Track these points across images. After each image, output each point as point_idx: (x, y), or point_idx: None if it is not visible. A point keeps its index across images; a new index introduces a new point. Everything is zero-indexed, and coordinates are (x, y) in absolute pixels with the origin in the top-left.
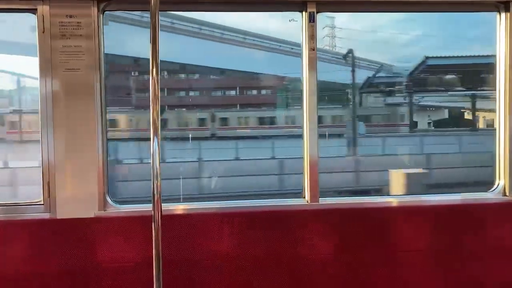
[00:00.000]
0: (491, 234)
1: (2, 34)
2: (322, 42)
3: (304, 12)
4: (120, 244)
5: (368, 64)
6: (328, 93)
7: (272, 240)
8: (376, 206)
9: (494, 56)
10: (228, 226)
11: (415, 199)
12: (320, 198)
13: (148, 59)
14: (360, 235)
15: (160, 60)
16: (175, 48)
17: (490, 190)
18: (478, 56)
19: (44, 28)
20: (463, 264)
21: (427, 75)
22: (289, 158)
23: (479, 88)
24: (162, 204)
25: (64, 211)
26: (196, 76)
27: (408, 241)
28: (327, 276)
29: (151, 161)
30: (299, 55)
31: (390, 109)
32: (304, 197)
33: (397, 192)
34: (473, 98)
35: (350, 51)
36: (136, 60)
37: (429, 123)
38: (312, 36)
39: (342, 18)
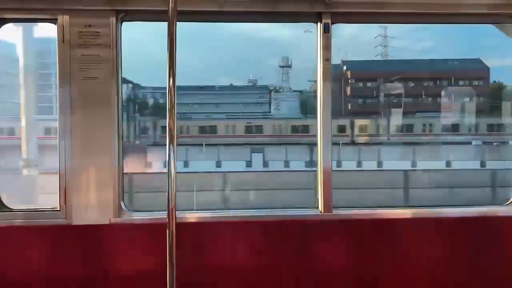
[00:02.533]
0: (507, 247)
1: None
2: (376, 51)
3: (319, 23)
4: (134, 251)
5: None
6: None
7: (285, 250)
8: (389, 217)
9: None
10: (241, 234)
11: (429, 211)
12: (333, 209)
13: None
14: (373, 246)
15: None
16: None
17: (506, 203)
18: None
19: (63, 37)
20: (477, 277)
21: None
22: None
23: None
24: (177, 212)
25: (80, 218)
26: None
27: (422, 253)
28: (339, 286)
29: (166, 169)
30: None
31: None
32: (318, 207)
33: None
34: None
35: None
36: None
37: None
38: (327, 47)
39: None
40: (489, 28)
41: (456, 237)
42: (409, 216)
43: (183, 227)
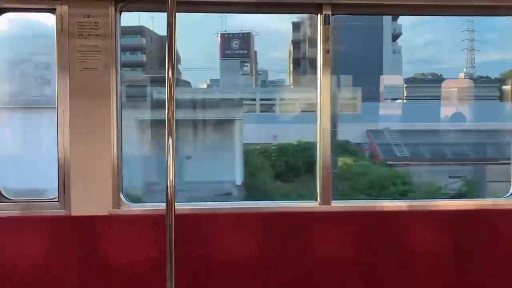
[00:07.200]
0: (506, 240)
1: None
2: (461, 45)
3: (319, 15)
4: (133, 242)
5: None
6: None
7: (283, 241)
8: (388, 210)
9: None
10: (240, 226)
11: (428, 203)
12: (332, 201)
13: None
14: (372, 238)
15: None
16: None
17: (506, 196)
18: None
19: (62, 27)
20: (477, 269)
21: None
22: None
23: None
24: (175, 203)
25: (79, 208)
26: None
27: (420, 245)
28: (338, 278)
29: (165, 159)
30: None
31: None
32: (316, 199)
33: None
34: None
35: None
36: None
37: None
38: (327, 39)
39: None
40: None
41: (455, 230)
42: (407, 208)
43: (181, 218)
